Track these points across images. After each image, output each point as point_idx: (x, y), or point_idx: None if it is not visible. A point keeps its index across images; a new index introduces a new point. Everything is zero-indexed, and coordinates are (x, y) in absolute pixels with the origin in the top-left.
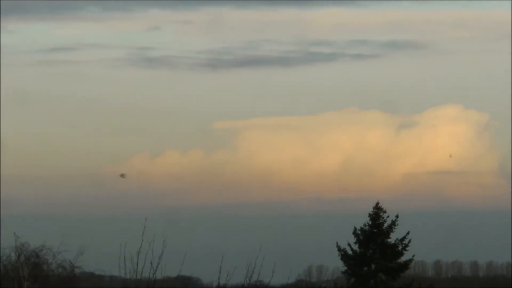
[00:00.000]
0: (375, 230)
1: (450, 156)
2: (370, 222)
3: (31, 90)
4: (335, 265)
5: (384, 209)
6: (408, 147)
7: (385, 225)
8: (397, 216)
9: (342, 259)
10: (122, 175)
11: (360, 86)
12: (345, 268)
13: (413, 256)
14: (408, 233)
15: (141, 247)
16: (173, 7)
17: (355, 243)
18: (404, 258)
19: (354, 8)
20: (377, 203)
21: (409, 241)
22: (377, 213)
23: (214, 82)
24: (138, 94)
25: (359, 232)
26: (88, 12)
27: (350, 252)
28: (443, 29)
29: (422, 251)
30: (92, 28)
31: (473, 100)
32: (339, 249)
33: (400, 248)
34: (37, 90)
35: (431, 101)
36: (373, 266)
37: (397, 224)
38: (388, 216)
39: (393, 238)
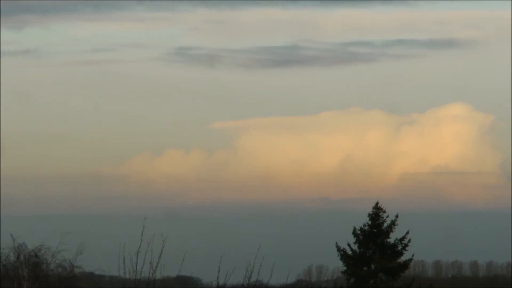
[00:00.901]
0: (375, 230)
1: None
2: (369, 222)
3: (65, 90)
4: (335, 265)
5: (384, 209)
6: (410, 145)
7: (385, 225)
8: (396, 216)
9: (341, 259)
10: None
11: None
12: (345, 268)
13: (413, 255)
14: (407, 232)
15: (140, 246)
16: (218, 7)
17: (355, 243)
18: (404, 258)
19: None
20: (377, 203)
21: (409, 241)
22: (376, 213)
23: (251, 81)
24: (165, 94)
25: (359, 232)
26: (133, 11)
27: (349, 252)
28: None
29: (422, 251)
30: (133, 27)
31: (480, 100)
32: (339, 249)
33: (399, 248)
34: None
35: (443, 100)
36: (373, 266)
37: (397, 224)
38: (387, 216)
39: (392, 238)
